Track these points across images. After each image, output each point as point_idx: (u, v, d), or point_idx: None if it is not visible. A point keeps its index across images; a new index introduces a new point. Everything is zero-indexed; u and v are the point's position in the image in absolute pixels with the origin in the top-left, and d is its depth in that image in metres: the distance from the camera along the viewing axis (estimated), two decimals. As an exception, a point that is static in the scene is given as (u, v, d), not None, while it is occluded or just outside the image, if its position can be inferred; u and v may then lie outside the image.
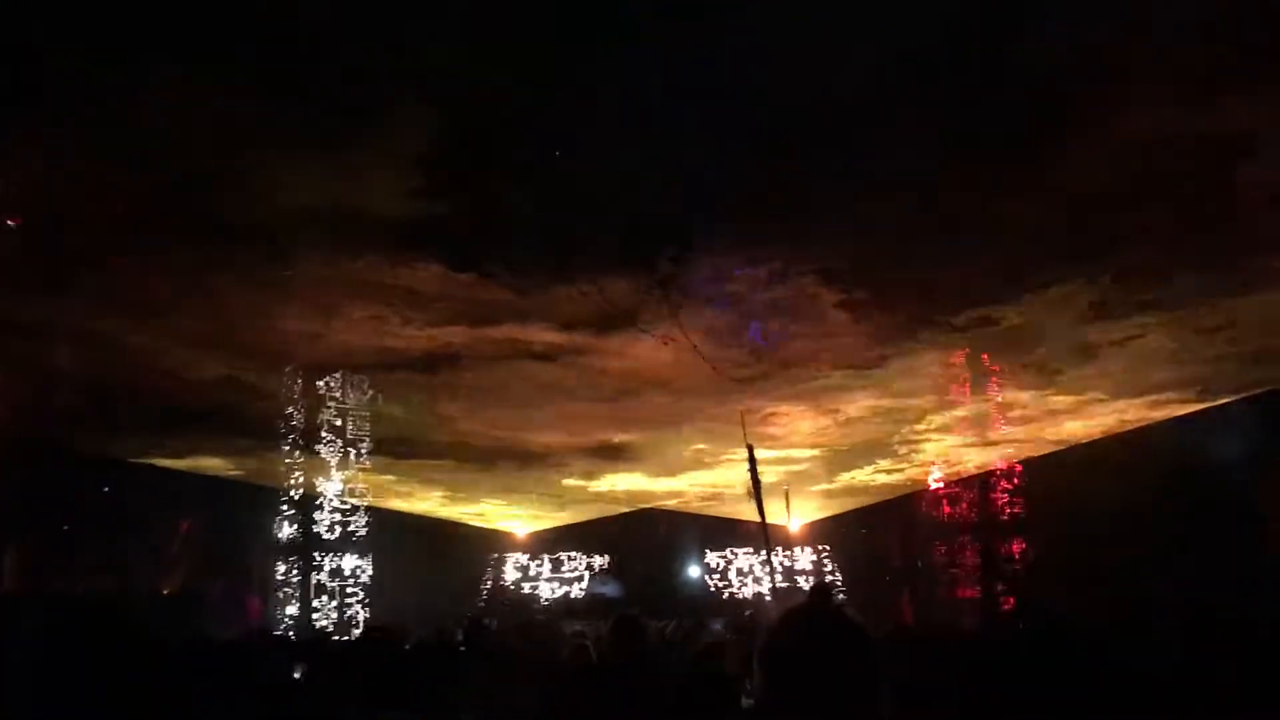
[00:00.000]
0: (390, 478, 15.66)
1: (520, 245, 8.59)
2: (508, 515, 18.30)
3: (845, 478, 16.43)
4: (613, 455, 15.07)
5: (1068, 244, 8.75)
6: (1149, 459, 13.69)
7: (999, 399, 13.60)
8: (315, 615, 13.77)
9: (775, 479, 14.95)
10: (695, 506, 17.96)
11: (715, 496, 17.20)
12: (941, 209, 8.07)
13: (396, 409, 13.27)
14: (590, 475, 16.26)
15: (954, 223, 8.25)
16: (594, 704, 4.00)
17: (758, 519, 9.23)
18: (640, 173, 7.25)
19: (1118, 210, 8.13)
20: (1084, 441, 15.24)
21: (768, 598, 17.76)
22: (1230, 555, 11.97)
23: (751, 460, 6.96)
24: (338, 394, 12.67)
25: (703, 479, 16.61)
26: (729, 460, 15.34)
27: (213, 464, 15.05)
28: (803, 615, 1.97)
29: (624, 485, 16.86)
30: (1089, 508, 13.53)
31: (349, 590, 14.03)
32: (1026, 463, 15.82)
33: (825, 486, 16.65)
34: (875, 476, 16.59)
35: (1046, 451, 15.65)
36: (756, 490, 6.88)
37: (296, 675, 4.31)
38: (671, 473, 16.17)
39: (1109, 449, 14.74)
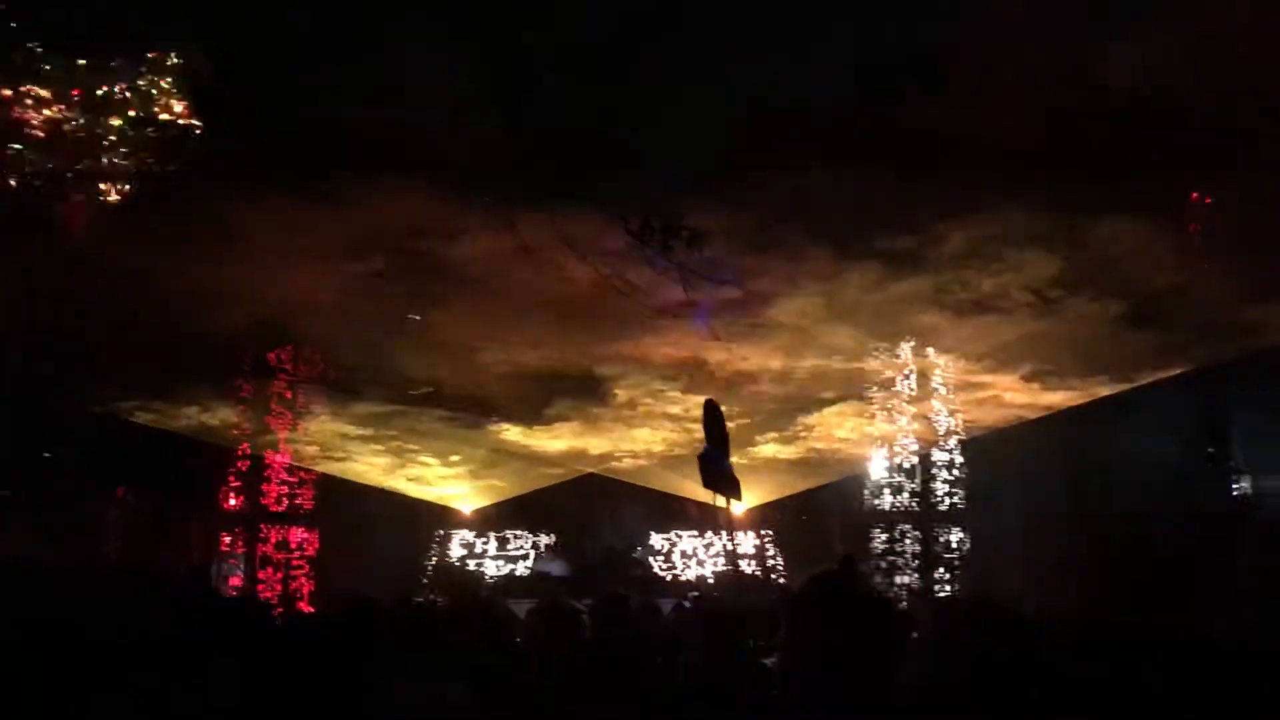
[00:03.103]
0: (347, 429, 15.91)
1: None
2: (448, 479, 18.39)
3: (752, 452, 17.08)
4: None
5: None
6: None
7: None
8: (260, 587, 13.68)
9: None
10: (637, 472, 18.17)
11: (650, 456, 17.72)
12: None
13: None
14: (534, 422, 16.79)
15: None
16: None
17: (704, 493, 9.56)
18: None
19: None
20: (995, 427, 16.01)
21: (710, 580, 18.01)
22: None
23: (710, 417, 6.93)
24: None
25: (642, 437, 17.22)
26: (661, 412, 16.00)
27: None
28: (831, 580, 2.10)
29: (564, 444, 17.27)
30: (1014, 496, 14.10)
31: (294, 563, 13.96)
32: (964, 446, 16.33)
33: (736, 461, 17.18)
34: (780, 450, 17.24)
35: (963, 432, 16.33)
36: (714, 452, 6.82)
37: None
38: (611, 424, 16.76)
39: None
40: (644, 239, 9.89)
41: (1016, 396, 15.44)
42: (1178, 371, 13.74)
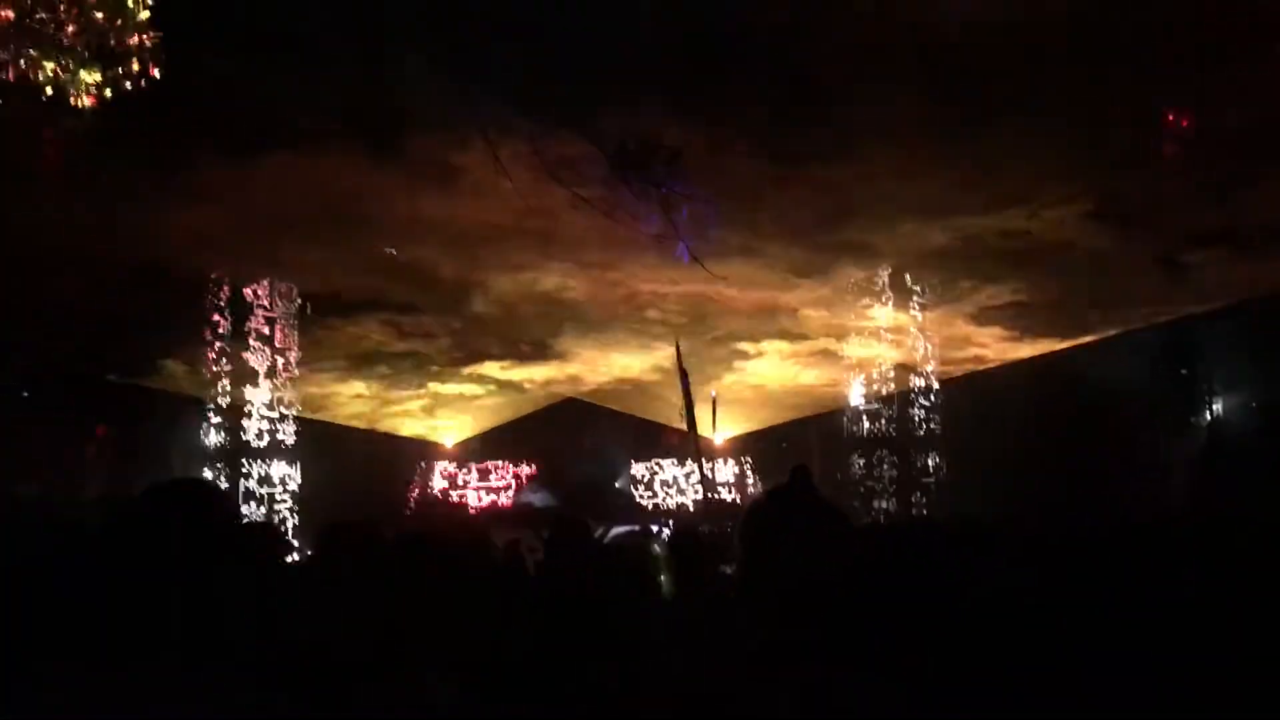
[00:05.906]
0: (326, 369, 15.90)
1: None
2: (426, 415, 18.51)
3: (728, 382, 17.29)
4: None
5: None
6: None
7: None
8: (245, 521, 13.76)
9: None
10: (618, 397, 18.26)
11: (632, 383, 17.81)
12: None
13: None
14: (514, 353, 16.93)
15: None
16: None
17: (682, 424, 9.60)
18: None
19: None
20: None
21: (691, 509, 18.21)
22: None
23: (680, 364, 7.02)
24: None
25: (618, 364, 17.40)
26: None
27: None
28: (785, 492, 2.14)
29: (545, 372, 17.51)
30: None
31: (278, 497, 14.06)
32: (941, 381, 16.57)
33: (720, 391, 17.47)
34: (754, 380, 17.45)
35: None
36: (687, 396, 6.93)
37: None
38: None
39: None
40: (621, 160, 9.81)
41: (989, 344, 15.75)
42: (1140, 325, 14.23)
